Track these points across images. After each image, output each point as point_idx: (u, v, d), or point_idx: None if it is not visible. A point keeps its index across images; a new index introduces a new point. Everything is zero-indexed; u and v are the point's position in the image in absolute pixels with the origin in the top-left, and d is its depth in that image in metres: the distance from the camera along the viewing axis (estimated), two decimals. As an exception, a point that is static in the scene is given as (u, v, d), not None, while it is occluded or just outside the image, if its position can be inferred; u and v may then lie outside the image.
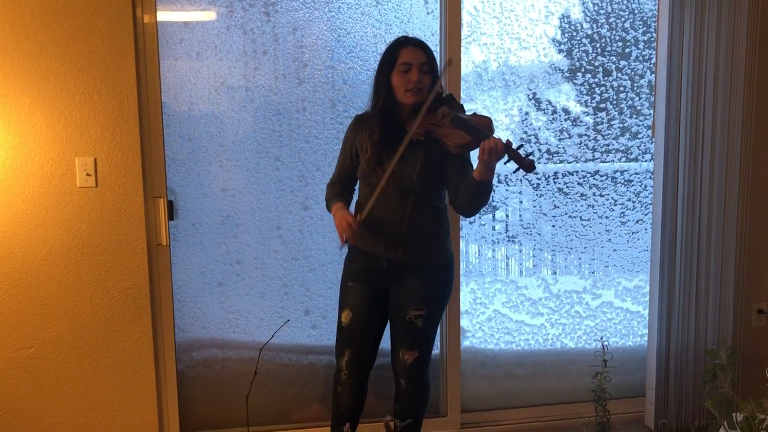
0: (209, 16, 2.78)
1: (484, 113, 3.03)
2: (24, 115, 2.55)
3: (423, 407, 2.57)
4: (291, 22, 2.80)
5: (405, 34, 2.55)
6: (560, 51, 3.10)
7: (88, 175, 2.61)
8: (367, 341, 2.51)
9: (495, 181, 3.08)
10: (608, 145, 3.16)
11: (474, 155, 2.34)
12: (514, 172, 2.15)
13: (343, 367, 2.52)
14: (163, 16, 2.70)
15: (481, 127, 2.26)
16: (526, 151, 2.20)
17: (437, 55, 2.87)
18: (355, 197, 2.56)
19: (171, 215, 2.77)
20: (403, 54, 2.32)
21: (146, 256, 2.68)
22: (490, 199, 2.37)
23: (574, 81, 3.12)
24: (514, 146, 2.18)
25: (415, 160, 2.33)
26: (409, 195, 2.35)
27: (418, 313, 2.42)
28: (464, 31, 2.91)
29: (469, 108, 3.00)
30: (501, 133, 3.10)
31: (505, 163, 2.20)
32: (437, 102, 2.36)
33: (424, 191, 2.38)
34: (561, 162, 3.15)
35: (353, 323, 2.48)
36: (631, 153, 3.18)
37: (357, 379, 2.53)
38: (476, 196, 2.29)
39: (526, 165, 2.16)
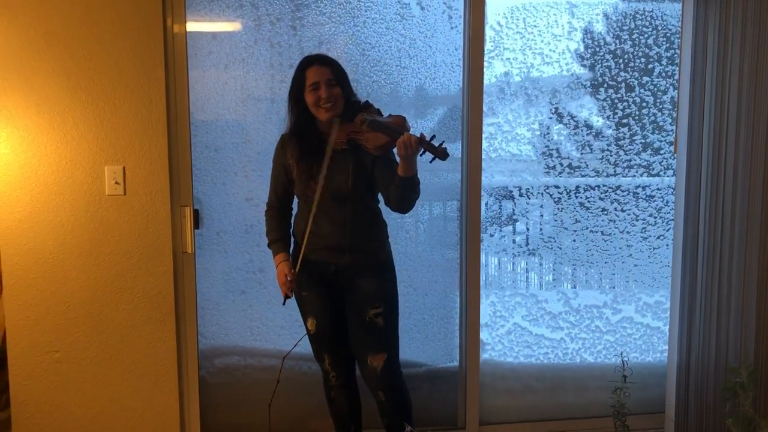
0: (237, 28, 2.84)
1: (506, 127, 3.08)
2: (56, 123, 2.62)
3: (410, 410, 2.59)
4: (317, 36, 2.84)
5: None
6: (583, 66, 3.11)
7: (116, 183, 2.66)
8: (340, 340, 2.58)
9: (516, 194, 3.12)
10: (630, 160, 3.16)
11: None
12: (431, 162, 2.25)
13: (329, 369, 2.60)
14: (192, 27, 2.76)
15: (397, 126, 2.36)
16: (438, 142, 2.28)
17: (460, 70, 2.91)
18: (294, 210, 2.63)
19: (196, 224, 2.82)
20: (309, 75, 2.44)
21: (172, 264, 2.73)
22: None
23: (597, 96, 3.13)
24: (428, 138, 2.27)
25: (346, 168, 2.43)
26: (346, 203, 2.44)
27: (377, 311, 2.48)
28: (487, 46, 2.93)
29: (492, 122, 3.04)
30: (522, 147, 3.13)
31: (421, 155, 2.29)
32: (354, 111, 2.45)
33: (359, 197, 2.46)
34: (583, 176, 3.16)
35: (320, 328, 2.56)
36: (653, 168, 3.18)
37: (346, 379, 2.63)
38: (405, 192, 2.37)
39: (440, 153, 2.25)
